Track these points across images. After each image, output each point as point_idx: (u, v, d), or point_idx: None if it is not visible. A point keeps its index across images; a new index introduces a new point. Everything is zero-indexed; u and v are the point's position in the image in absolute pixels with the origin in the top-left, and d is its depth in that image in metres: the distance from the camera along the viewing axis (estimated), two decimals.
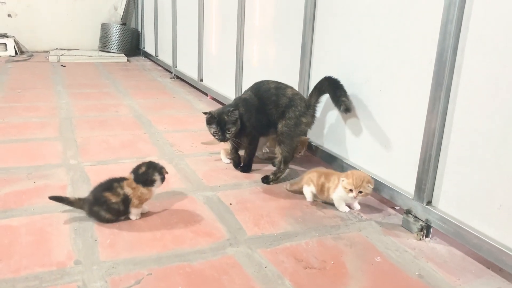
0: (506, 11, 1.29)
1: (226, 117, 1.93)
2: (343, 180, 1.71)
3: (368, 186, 1.69)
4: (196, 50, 3.91)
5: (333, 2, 2.06)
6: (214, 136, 2.00)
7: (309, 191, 1.82)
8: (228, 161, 2.24)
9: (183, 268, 1.35)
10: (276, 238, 1.55)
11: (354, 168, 1.93)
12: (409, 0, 1.63)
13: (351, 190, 1.69)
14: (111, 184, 1.60)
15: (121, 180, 1.61)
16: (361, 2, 1.88)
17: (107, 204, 1.56)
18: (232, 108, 1.94)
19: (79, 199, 1.61)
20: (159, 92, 3.98)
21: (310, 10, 2.19)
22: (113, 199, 1.57)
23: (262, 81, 2.09)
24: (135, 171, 1.63)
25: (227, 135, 1.95)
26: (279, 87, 2.04)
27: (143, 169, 1.62)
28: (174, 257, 1.40)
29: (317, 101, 2.05)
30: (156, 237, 1.51)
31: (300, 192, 1.89)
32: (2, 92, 3.62)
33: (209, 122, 1.98)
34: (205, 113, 1.99)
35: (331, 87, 1.96)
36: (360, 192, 1.68)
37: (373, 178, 1.82)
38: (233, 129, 1.95)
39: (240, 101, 2.04)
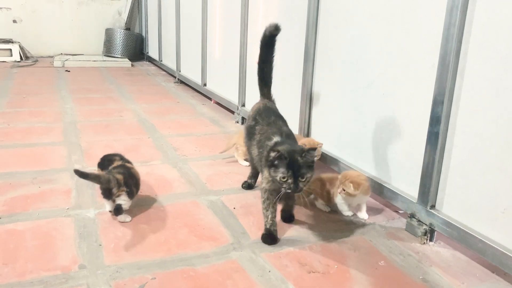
0: (508, 15, 1.29)
1: (299, 158, 1.40)
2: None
3: (350, 186, 1.66)
4: (200, 55, 3.93)
5: (336, 7, 2.06)
6: (280, 183, 1.42)
7: (319, 204, 1.83)
8: (247, 163, 2.05)
9: (187, 272, 1.35)
10: (280, 242, 1.55)
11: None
12: (412, 4, 1.63)
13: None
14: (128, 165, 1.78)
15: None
16: (364, 6, 1.88)
17: (137, 180, 1.72)
18: (308, 147, 1.44)
19: (104, 174, 1.65)
20: (163, 96, 4.00)
21: (313, 15, 2.20)
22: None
23: (258, 107, 1.78)
24: (109, 163, 1.78)
25: (300, 184, 1.40)
26: (271, 106, 1.81)
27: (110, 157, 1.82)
28: (178, 261, 1.41)
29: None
30: (160, 242, 1.52)
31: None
32: (7, 97, 3.65)
33: (274, 163, 1.42)
34: (273, 151, 1.43)
35: (263, 73, 1.88)
36: (344, 190, 1.68)
37: (377, 181, 1.82)
38: (308, 176, 1.42)
39: (279, 134, 1.58)
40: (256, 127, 1.69)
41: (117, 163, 1.76)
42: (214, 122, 3.15)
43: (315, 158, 2.04)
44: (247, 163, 2.27)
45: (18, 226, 1.58)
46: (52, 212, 1.69)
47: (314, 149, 1.43)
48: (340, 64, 2.06)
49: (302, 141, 2.09)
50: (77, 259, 1.39)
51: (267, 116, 1.70)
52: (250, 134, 1.74)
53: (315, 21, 2.20)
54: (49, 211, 1.70)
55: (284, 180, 1.40)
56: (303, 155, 1.41)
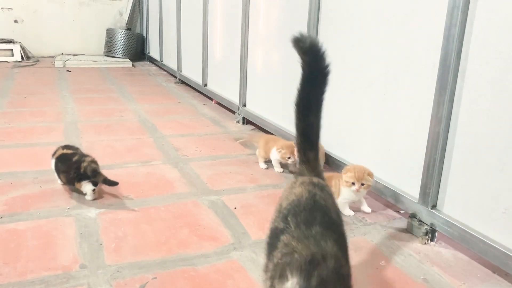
0: (509, 15, 1.29)
1: None
2: (345, 174, 1.70)
3: (370, 179, 1.68)
4: (201, 55, 3.93)
5: (337, 8, 2.06)
6: None
7: None
8: (266, 166, 2.26)
9: (188, 272, 1.35)
10: None
11: None
12: (413, 5, 1.63)
13: (353, 183, 1.68)
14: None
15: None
16: (365, 7, 1.88)
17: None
18: None
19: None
20: (164, 97, 4.00)
21: (314, 15, 2.20)
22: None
23: (298, 199, 0.98)
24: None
25: None
26: (322, 200, 0.99)
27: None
28: (178, 261, 1.41)
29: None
30: (161, 241, 1.52)
31: None
32: (9, 97, 3.65)
33: None
34: None
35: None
36: (362, 184, 1.67)
37: (378, 181, 1.82)
38: None
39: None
40: (282, 237, 0.89)
41: (59, 152, 1.91)
42: (215, 123, 3.15)
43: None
44: (266, 166, 2.28)
45: (19, 225, 1.58)
46: (53, 211, 1.69)
47: None
48: (341, 65, 2.06)
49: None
50: (78, 258, 1.39)
51: (306, 223, 0.90)
52: (271, 246, 0.92)
53: (316, 21, 2.20)
54: (50, 210, 1.70)
55: None
56: None
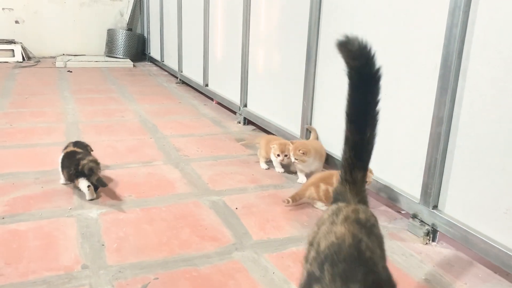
0: (511, 15, 1.29)
1: None
2: None
3: (371, 175, 1.72)
4: (202, 55, 3.93)
5: (338, 7, 2.07)
6: None
7: (319, 206, 1.83)
8: (267, 166, 2.26)
9: (190, 272, 1.35)
10: (282, 243, 1.55)
11: None
12: (414, 5, 1.63)
13: None
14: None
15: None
16: (366, 6, 1.88)
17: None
18: None
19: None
20: (165, 97, 4.01)
21: (315, 15, 2.20)
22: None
23: (338, 242, 0.81)
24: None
25: None
26: (365, 248, 0.81)
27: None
28: (180, 261, 1.41)
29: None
30: (162, 242, 1.52)
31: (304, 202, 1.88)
32: (10, 97, 3.66)
33: None
34: None
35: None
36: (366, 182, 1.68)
37: (379, 181, 1.82)
38: None
39: None
40: (315, 287, 0.77)
41: (69, 149, 1.95)
42: (216, 123, 3.15)
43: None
44: (267, 166, 2.28)
45: (20, 226, 1.58)
46: (55, 212, 1.70)
47: None
48: (342, 65, 2.05)
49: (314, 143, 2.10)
50: (80, 259, 1.40)
51: (344, 278, 0.75)
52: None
53: (317, 22, 2.20)
54: (51, 211, 1.70)
55: None
56: None
